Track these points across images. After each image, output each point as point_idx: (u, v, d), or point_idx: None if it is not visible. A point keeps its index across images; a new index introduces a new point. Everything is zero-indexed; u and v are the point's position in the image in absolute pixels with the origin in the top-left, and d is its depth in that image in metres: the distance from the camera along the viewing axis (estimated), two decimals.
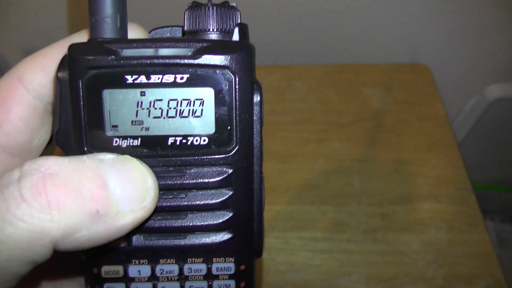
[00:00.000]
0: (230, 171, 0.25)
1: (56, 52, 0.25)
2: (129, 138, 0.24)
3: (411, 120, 0.73)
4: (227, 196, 0.25)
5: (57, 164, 0.20)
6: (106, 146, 0.24)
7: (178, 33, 0.27)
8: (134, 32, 0.26)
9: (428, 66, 0.82)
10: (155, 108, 0.24)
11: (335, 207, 0.62)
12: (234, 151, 0.25)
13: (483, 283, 0.55)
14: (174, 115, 0.24)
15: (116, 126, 0.24)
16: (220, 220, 0.25)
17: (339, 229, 0.60)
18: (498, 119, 0.87)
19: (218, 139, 0.24)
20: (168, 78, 0.23)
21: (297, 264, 0.57)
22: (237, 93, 0.24)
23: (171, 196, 0.25)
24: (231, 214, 0.25)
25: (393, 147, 0.69)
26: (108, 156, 0.22)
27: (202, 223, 0.25)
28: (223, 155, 0.25)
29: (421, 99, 0.76)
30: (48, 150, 0.28)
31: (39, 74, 0.25)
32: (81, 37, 0.26)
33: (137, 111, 0.24)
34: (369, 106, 0.75)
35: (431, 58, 0.85)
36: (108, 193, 0.21)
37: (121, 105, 0.24)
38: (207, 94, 0.24)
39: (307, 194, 0.64)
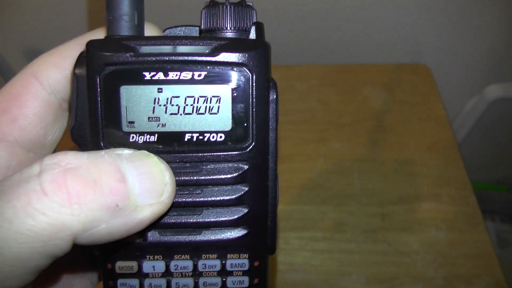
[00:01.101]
0: (246, 167, 0.25)
1: (71, 50, 0.26)
2: (145, 134, 0.24)
3: (411, 120, 0.73)
4: (242, 192, 0.25)
5: (76, 158, 0.21)
6: (122, 142, 0.24)
7: (192, 32, 0.27)
8: (149, 31, 0.26)
9: (428, 66, 0.82)
10: (172, 105, 0.24)
11: (335, 207, 0.62)
12: (250, 147, 0.25)
13: (483, 283, 0.55)
14: (191, 111, 0.24)
15: (133, 122, 0.24)
16: (235, 216, 0.25)
17: (339, 229, 0.60)
18: (498, 119, 0.87)
19: (234, 136, 0.24)
20: (186, 75, 0.24)
21: (297, 264, 0.57)
22: (253, 91, 0.24)
23: (187, 192, 0.25)
24: (246, 211, 0.25)
25: (393, 147, 0.69)
26: (126, 151, 0.22)
27: (217, 219, 0.25)
28: (239, 152, 0.25)
29: (421, 99, 0.76)
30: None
31: (54, 70, 0.25)
32: (97, 34, 0.26)
33: (154, 107, 0.24)
34: (369, 106, 0.75)
35: (431, 58, 0.85)
36: (127, 187, 0.21)
37: (138, 102, 0.24)
38: (224, 91, 0.24)
39: (307, 194, 0.64)
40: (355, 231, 0.60)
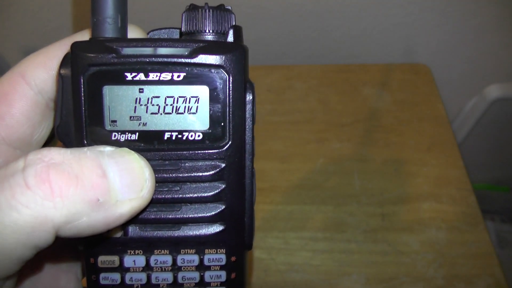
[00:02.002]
0: (223, 165, 0.26)
1: (58, 50, 0.26)
2: (127, 133, 0.25)
3: (411, 120, 0.73)
4: (219, 189, 0.26)
5: (59, 154, 0.21)
6: (105, 140, 0.25)
7: (175, 34, 0.28)
8: (133, 33, 0.27)
9: (428, 66, 0.82)
10: (153, 105, 0.25)
11: (335, 207, 0.62)
12: (227, 146, 0.26)
13: (483, 283, 0.55)
14: (170, 111, 0.25)
15: (115, 121, 0.25)
16: (213, 213, 0.26)
17: (339, 229, 0.60)
18: (498, 119, 0.87)
19: (212, 135, 0.26)
20: (166, 76, 0.25)
21: (297, 264, 0.57)
22: (230, 91, 0.25)
23: (166, 189, 0.26)
24: (223, 207, 0.26)
25: (393, 147, 0.69)
26: (108, 148, 0.23)
27: (196, 215, 0.26)
28: (217, 150, 0.26)
29: (421, 99, 0.76)
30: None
31: (41, 70, 0.26)
32: (83, 36, 0.27)
33: (135, 107, 0.25)
34: (369, 106, 0.75)
35: (431, 58, 0.85)
36: (108, 183, 0.22)
37: (120, 101, 0.25)
38: (202, 92, 0.25)
39: (307, 194, 0.64)
40: (355, 231, 0.60)
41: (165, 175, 0.25)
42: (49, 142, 0.29)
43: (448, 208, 0.62)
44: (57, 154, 0.21)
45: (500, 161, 0.98)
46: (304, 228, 0.60)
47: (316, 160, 0.68)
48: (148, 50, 0.24)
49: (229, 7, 0.27)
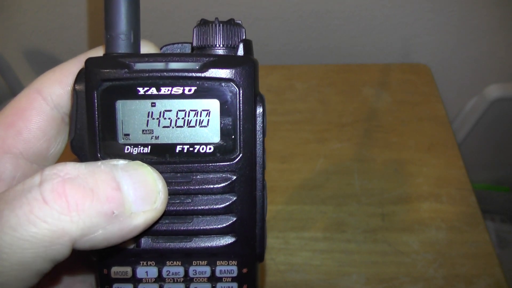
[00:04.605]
0: (234, 177, 0.26)
1: (73, 67, 0.27)
2: (140, 146, 0.26)
3: (411, 120, 0.73)
4: (230, 202, 0.26)
5: (75, 169, 0.22)
6: (118, 153, 0.26)
7: (187, 49, 0.29)
8: (146, 48, 0.28)
9: (428, 66, 0.82)
10: (165, 118, 0.25)
11: (335, 207, 0.62)
12: (237, 159, 0.26)
13: (483, 283, 0.55)
14: (182, 124, 0.26)
15: (128, 134, 0.25)
16: (224, 225, 0.26)
17: (339, 229, 0.60)
18: (498, 119, 0.87)
19: (223, 148, 0.26)
20: (177, 90, 0.25)
21: (297, 264, 0.57)
22: (241, 105, 0.26)
23: (178, 201, 0.26)
24: (234, 219, 0.27)
25: (393, 147, 0.69)
26: (121, 162, 0.23)
27: (207, 227, 0.26)
28: (227, 163, 0.26)
29: (421, 99, 0.76)
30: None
31: (57, 86, 0.27)
32: (97, 52, 0.28)
33: (147, 120, 0.25)
34: (369, 106, 0.75)
35: (431, 58, 0.85)
36: (122, 195, 0.22)
37: (133, 115, 0.25)
38: (213, 105, 0.25)
39: (307, 194, 0.64)
40: (355, 231, 0.60)
41: (177, 188, 0.26)
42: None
43: (448, 208, 0.62)
44: (72, 168, 0.22)
45: (500, 161, 0.98)
46: (304, 228, 0.60)
47: (316, 160, 0.68)
48: (159, 65, 0.25)
49: (240, 21, 0.28)
